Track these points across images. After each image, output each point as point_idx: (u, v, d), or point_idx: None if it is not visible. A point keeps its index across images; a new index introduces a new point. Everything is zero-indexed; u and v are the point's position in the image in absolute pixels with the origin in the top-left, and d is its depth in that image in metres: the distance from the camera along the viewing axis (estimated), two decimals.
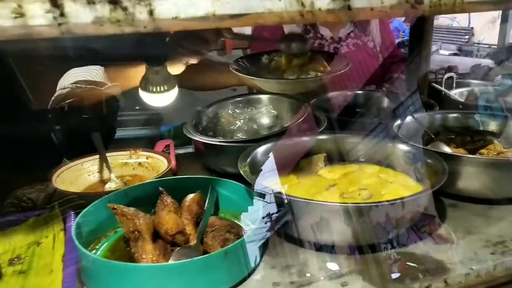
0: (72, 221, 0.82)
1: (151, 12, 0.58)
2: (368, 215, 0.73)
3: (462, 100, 1.47)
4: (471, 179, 0.91)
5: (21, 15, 0.53)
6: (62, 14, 0.55)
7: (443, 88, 1.46)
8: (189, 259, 0.66)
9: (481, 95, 1.53)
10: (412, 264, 0.73)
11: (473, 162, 0.91)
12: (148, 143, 1.34)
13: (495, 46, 4.54)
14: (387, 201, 0.74)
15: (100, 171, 1.10)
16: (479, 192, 0.92)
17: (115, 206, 0.77)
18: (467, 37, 7.57)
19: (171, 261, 0.69)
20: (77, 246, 0.69)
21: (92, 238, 0.80)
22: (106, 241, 0.83)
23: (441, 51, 5.47)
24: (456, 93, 1.51)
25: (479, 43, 6.08)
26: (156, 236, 0.75)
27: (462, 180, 0.92)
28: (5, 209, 1.01)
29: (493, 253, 0.76)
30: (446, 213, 0.91)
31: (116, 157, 1.13)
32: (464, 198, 0.94)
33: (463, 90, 1.56)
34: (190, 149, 1.34)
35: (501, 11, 3.99)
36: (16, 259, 0.78)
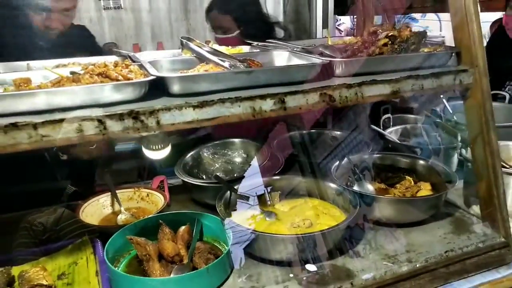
0: (100, 247, 1.17)
1: (158, 122, 0.95)
2: (304, 241, 1.10)
3: (396, 138, 1.86)
4: (381, 210, 1.30)
5: (81, 130, 0.89)
6: (105, 128, 0.90)
7: (379, 129, 1.85)
8: (184, 274, 1.02)
9: (411, 133, 1.94)
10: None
11: (381, 200, 1.29)
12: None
13: None
14: (313, 233, 1.11)
15: (112, 205, 1.45)
16: (387, 219, 1.31)
17: (132, 237, 1.12)
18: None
19: (172, 275, 1.05)
20: (109, 265, 1.05)
21: (114, 258, 1.15)
22: (124, 260, 1.18)
23: None
24: (391, 131, 1.90)
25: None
26: (160, 257, 1.11)
27: (375, 211, 1.30)
28: (19, 233, 1.32)
29: (386, 263, 1.14)
30: (364, 234, 1.28)
31: (123, 193, 1.48)
32: (380, 223, 1.32)
33: (398, 128, 1.95)
34: (179, 181, 1.69)
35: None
36: (62, 275, 1.13)
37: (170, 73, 1.09)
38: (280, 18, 3.49)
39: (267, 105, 1.03)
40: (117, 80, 0.98)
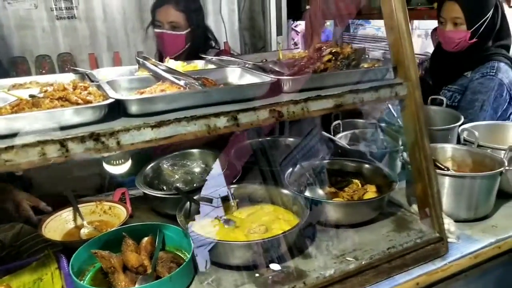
0: (64, 261, 1.21)
1: (118, 142, 1.01)
2: (260, 246, 1.19)
3: (345, 143, 1.99)
4: (330, 213, 1.41)
5: (44, 154, 0.93)
6: (67, 150, 0.96)
7: (329, 135, 1.97)
8: (148, 284, 1.08)
9: (359, 138, 2.07)
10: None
11: (330, 204, 1.41)
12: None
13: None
14: (267, 239, 1.21)
15: (74, 219, 1.49)
16: (336, 221, 1.42)
17: (96, 251, 1.17)
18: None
19: (137, 286, 1.11)
20: (75, 280, 1.09)
21: (79, 272, 1.20)
22: (89, 274, 1.22)
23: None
24: (341, 137, 2.03)
25: None
26: (125, 268, 1.17)
27: (325, 214, 1.41)
28: None
29: (335, 262, 1.25)
30: (315, 235, 1.39)
31: (85, 207, 1.51)
32: (330, 225, 1.43)
33: (347, 133, 2.08)
34: (140, 192, 1.74)
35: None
36: None
37: (128, 96, 1.15)
38: (236, 26, 3.58)
39: (221, 122, 1.11)
40: (77, 103, 1.03)
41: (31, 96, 1.09)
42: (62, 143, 0.95)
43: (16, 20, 2.77)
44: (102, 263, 1.17)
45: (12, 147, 0.90)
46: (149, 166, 1.67)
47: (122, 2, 3.09)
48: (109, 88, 1.14)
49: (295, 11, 3.98)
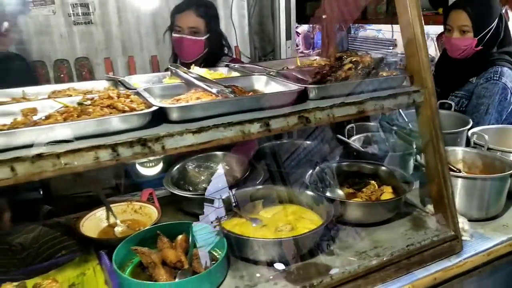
0: (105, 258, 1.29)
1: (163, 147, 1.09)
2: (286, 244, 1.27)
3: (359, 145, 2.07)
4: (350, 213, 1.49)
5: (97, 158, 1.02)
6: (118, 154, 1.04)
7: (344, 138, 2.06)
8: (188, 278, 1.17)
9: (372, 141, 2.16)
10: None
11: (350, 204, 1.50)
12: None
13: None
14: (296, 236, 1.29)
15: (108, 218, 1.56)
16: (356, 220, 1.51)
17: (136, 248, 1.26)
18: (391, 48, 8.50)
19: (177, 280, 1.19)
20: (119, 273, 1.18)
21: (119, 267, 1.28)
22: (128, 269, 1.30)
23: None
24: (355, 140, 2.11)
25: (402, 54, 6.95)
26: (163, 264, 1.25)
27: (345, 214, 1.49)
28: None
29: (359, 258, 1.34)
30: (337, 234, 1.48)
31: (117, 207, 1.59)
32: (350, 224, 1.52)
33: (360, 136, 2.17)
34: (165, 192, 1.82)
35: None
36: (72, 286, 1.24)
37: (168, 103, 1.23)
38: (245, 30, 3.67)
39: (255, 128, 1.19)
40: (124, 111, 1.11)
41: (79, 103, 1.17)
42: (113, 147, 1.03)
43: (35, 26, 2.85)
44: (142, 259, 1.25)
45: (70, 151, 0.99)
46: (175, 168, 1.76)
47: (136, 8, 3.18)
48: (149, 96, 1.22)
49: (299, 15, 4.04)
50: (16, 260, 1.40)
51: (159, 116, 1.14)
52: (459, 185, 1.59)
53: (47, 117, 1.12)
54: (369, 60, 1.48)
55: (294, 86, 1.31)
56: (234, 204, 1.51)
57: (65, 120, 1.08)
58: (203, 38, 2.27)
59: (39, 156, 0.96)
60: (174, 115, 1.13)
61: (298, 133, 2.25)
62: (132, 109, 1.13)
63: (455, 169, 1.71)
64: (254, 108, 1.23)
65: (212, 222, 1.36)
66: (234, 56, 3.15)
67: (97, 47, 3.10)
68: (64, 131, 1.01)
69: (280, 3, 3.47)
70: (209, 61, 2.31)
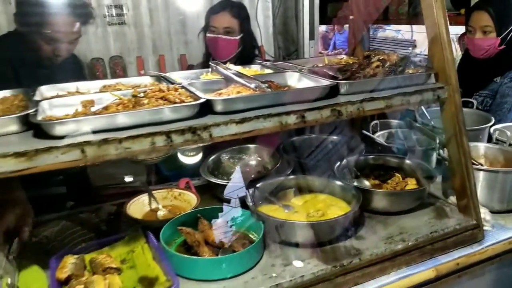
0: (152, 237, 1.41)
1: (210, 135, 1.20)
2: (319, 227, 1.38)
3: (383, 141, 2.17)
4: (377, 202, 1.59)
5: (153, 143, 1.14)
6: (171, 140, 1.16)
7: (369, 133, 2.15)
8: (229, 255, 1.28)
9: (396, 136, 2.25)
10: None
11: (377, 193, 1.59)
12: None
13: None
14: (328, 220, 1.39)
15: (150, 203, 1.69)
16: (382, 208, 1.60)
17: (182, 228, 1.38)
18: (410, 48, 8.51)
19: (220, 256, 1.31)
20: (168, 249, 1.30)
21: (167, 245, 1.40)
22: (172, 247, 1.43)
23: None
24: (379, 135, 2.21)
25: (420, 54, 6.98)
26: (206, 243, 1.37)
27: (372, 202, 1.59)
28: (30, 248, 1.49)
29: (385, 243, 1.43)
30: (364, 220, 1.57)
31: (158, 193, 1.72)
32: (375, 212, 1.61)
33: (385, 132, 2.26)
34: (199, 182, 1.94)
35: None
36: (124, 261, 1.37)
37: (213, 96, 1.34)
38: (270, 31, 3.78)
39: (291, 119, 1.30)
40: (175, 102, 1.23)
41: (134, 96, 1.30)
42: (167, 134, 1.15)
43: None
44: (187, 238, 1.38)
45: (130, 137, 1.11)
46: (210, 159, 1.88)
47: (166, 9, 3.32)
48: (195, 90, 1.34)
49: (320, 16, 4.11)
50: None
51: (205, 108, 1.26)
52: (481, 178, 1.67)
53: (105, 108, 1.25)
54: (395, 58, 1.57)
55: (326, 82, 1.42)
56: (267, 191, 1.63)
57: (123, 110, 1.21)
58: (237, 37, 2.38)
59: (105, 141, 1.08)
60: (219, 107, 1.25)
61: (326, 128, 2.35)
62: (182, 101, 1.25)
63: (476, 163, 1.79)
64: (290, 101, 1.34)
65: (251, 207, 1.48)
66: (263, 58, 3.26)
67: (130, 46, 3.25)
68: (124, 119, 1.14)
69: (304, 4, 3.57)
70: (242, 60, 2.42)
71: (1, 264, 1.28)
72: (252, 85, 1.42)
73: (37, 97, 1.35)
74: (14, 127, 1.12)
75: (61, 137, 1.07)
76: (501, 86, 2.39)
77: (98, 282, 1.21)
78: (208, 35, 2.41)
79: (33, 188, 1.76)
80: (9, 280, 1.25)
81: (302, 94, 1.37)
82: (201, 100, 1.23)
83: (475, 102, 2.40)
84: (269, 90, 1.40)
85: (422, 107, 2.30)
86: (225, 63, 1.87)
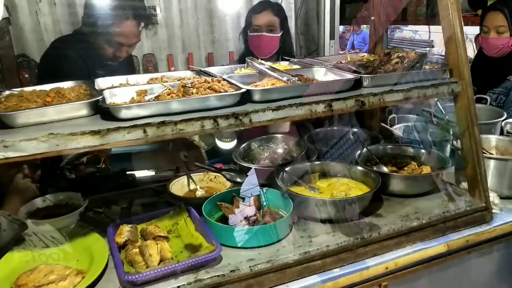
0: (194, 211, 1.60)
1: (250, 120, 1.39)
2: (344, 204, 1.56)
3: (400, 133, 2.32)
4: (395, 185, 1.76)
5: (203, 126, 1.33)
6: (218, 124, 1.34)
7: (387, 126, 2.31)
8: (266, 225, 1.47)
9: (413, 129, 2.40)
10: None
11: (395, 176, 1.76)
12: None
13: None
14: (351, 197, 1.57)
15: (188, 184, 1.89)
16: (399, 191, 1.77)
17: (221, 203, 1.57)
18: (428, 48, 8.56)
19: (255, 226, 1.50)
20: (209, 220, 1.49)
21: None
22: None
23: None
24: (396, 128, 2.37)
25: (438, 54, 7.05)
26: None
27: (390, 185, 1.76)
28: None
29: (402, 220, 1.60)
30: (382, 202, 1.74)
31: (196, 176, 1.92)
32: (393, 195, 1.78)
33: (402, 125, 2.41)
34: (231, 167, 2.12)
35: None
36: (170, 231, 1.57)
37: (253, 87, 1.53)
38: (292, 30, 3.95)
39: (320, 108, 1.48)
40: (220, 91, 1.42)
41: (183, 86, 1.49)
42: (214, 119, 1.34)
43: None
44: (226, 212, 1.57)
45: (184, 120, 1.30)
46: (241, 147, 2.07)
47: (195, 10, 3.53)
48: (236, 81, 1.53)
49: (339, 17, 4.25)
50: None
51: (245, 97, 1.44)
52: (491, 166, 1.82)
53: (157, 97, 1.45)
54: (413, 56, 1.73)
55: (351, 76, 1.59)
56: (294, 175, 1.81)
57: (173, 98, 1.40)
58: (279, 35, 2.56)
59: (163, 123, 1.28)
60: (257, 96, 1.43)
61: (348, 121, 2.52)
62: (225, 91, 1.43)
63: (488, 153, 1.94)
64: (318, 92, 1.52)
65: (282, 186, 1.67)
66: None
67: (161, 45, 3.47)
68: (178, 105, 1.33)
69: (325, 5, 3.73)
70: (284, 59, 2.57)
71: None
72: (284, 78, 1.60)
73: (97, 87, 1.56)
74: (85, 111, 1.33)
75: (126, 120, 1.27)
76: None
77: (151, 246, 1.40)
78: (250, 33, 2.57)
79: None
80: None
81: (329, 86, 1.55)
82: (242, 90, 1.42)
83: (488, 98, 2.53)
84: (299, 82, 1.58)
85: (438, 103, 2.45)
86: (267, 60, 2.04)
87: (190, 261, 1.32)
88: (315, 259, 1.44)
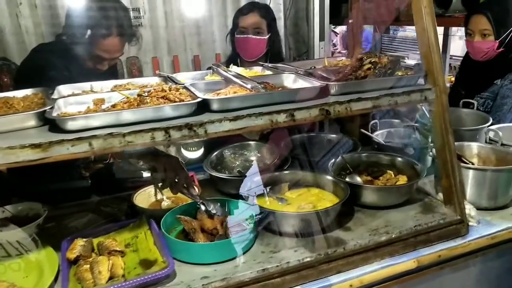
0: (154, 224, 1.54)
1: (205, 131, 1.32)
2: (309, 217, 1.49)
3: (382, 140, 2.25)
4: (366, 196, 1.69)
5: (153, 138, 1.27)
6: (169, 136, 1.28)
7: (367, 132, 2.24)
8: (223, 240, 1.41)
9: (394, 135, 2.33)
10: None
11: (367, 188, 1.69)
12: None
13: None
14: (315, 210, 1.50)
15: (155, 194, 1.83)
16: (371, 203, 1.70)
17: (180, 216, 1.51)
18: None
19: (216, 241, 1.43)
20: (166, 235, 1.43)
21: (166, 233, 1.53)
22: (172, 234, 1.56)
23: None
24: (378, 134, 2.29)
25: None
26: (202, 231, 1.50)
27: (362, 197, 1.69)
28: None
29: (370, 234, 1.53)
30: (353, 214, 1.67)
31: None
32: (365, 206, 1.71)
33: (384, 131, 2.34)
34: (202, 176, 2.07)
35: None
36: (128, 245, 1.51)
37: (210, 96, 1.47)
38: (281, 31, 3.88)
39: (281, 118, 1.41)
40: (175, 101, 1.36)
41: (139, 95, 1.43)
42: (166, 130, 1.28)
43: None
44: (185, 225, 1.51)
45: (133, 132, 1.24)
46: (213, 155, 2.01)
47: (181, 12, 3.47)
48: (195, 90, 1.47)
49: (335, 16, 4.18)
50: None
51: (203, 107, 1.38)
52: (470, 176, 1.75)
53: (113, 106, 1.39)
54: (386, 61, 1.66)
55: (317, 83, 1.52)
56: (263, 185, 1.74)
57: (128, 108, 1.34)
58: (266, 37, 2.49)
59: (110, 135, 1.22)
60: (215, 106, 1.37)
61: (325, 127, 2.46)
62: (181, 100, 1.37)
63: (468, 162, 1.86)
64: (282, 101, 1.45)
65: (247, 199, 1.60)
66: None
67: (146, 47, 3.41)
68: (128, 116, 1.27)
69: (314, 6, 3.66)
70: (271, 60, 2.48)
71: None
72: (249, 86, 1.54)
73: (54, 96, 1.50)
74: (32, 122, 1.27)
75: (73, 131, 1.21)
76: (501, 88, 2.44)
77: (102, 262, 1.35)
78: (237, 36, 2.51)
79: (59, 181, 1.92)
80: None
81: (293, 94, 1.48)
82: (198, 100, 1.36)
83: (475, 103, 2.46)
84: (263, 90, 1.52)
85: (423, 108, 2.38)
86: (254, 62, 1.96)
87: (138, 279, 1.26)
88: (273, 277, 1.37)
